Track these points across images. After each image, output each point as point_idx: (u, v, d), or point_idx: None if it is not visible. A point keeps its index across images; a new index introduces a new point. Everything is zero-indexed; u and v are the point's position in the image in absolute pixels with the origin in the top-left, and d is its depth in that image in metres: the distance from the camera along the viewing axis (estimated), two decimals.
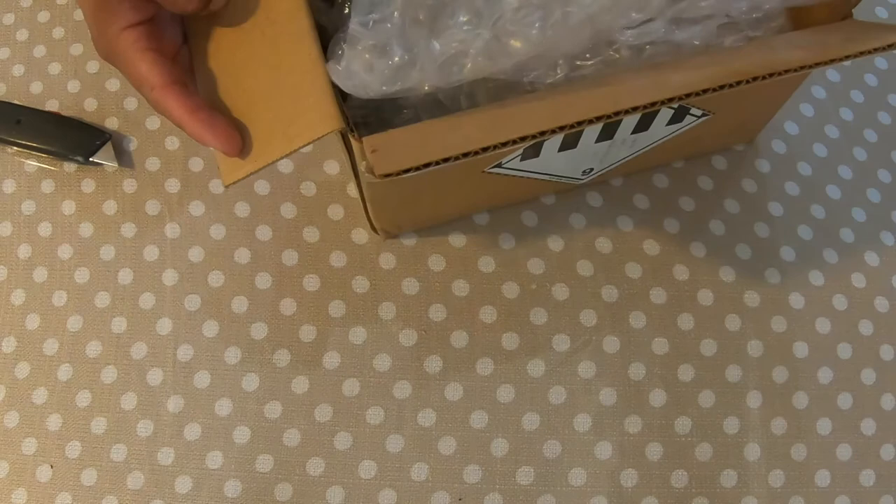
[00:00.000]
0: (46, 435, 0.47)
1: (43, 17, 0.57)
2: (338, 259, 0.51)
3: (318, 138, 0.36)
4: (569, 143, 0.43)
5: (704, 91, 0.38)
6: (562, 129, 0.36)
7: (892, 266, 0.52)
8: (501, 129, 0.36)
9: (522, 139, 0.36)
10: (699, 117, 0.46)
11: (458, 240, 0.51)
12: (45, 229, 0.52)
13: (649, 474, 0.47)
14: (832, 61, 0.39)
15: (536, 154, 0.44)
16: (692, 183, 0.53)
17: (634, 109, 0.37)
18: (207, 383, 0.48)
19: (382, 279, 0.50)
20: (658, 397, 0.48)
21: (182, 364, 0.49)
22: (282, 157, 0.37)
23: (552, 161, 0.45)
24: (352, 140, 0.36)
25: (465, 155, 0.36)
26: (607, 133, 0.44)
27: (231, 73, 0.39)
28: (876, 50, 0.39)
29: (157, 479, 0.47)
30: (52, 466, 0.47)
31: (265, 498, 0.46)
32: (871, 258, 0.52)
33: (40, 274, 0.51)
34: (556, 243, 0.51)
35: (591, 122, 0.37)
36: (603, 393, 0.48)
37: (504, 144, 0.36)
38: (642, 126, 0.44)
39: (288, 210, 0.52)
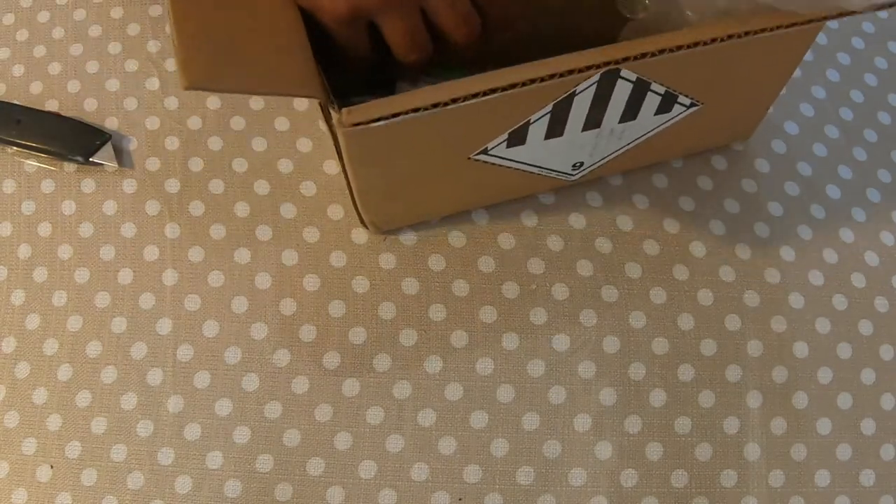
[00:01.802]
0: (46, 435, 0.47)
1: (43, 17, 0.57)
2: (338, 259, 0.51)
3: (300, 96, 0.36)
4: (555, 130, 0.43)
5: (658, 52, 0.39)
6: (516, 85, 0.37)
7: (892, 266, 0.52)
8: (475, 85, 0.37)
9: (493, 91, 0.37)
10: (688, 107, 0.46)
11: (458, 240, 0.51)
12: (45, 229, 0.52)
13: (649, 474, 0.47)
14: (792, 25, 0.39)
15: (522, 141, 0.44)
16: (692, 182, 0.53)
17: (590, 68, 0.38)
18: (207, 383, 0.48)
19: (382, 279, 0.50)
20: (658, 397, 0.48)
21: (182, 364, 0.49)
22: (249, 93, 0.36)
23: (539, 150, 0.45)
24: (330, 111, 0.37)
25: (435, 105, 0.36)
26: (594, 120, 0.44)
27: (215, 12, 0.38)
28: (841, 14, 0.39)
29: (157, 479, 0.47)
30: (52, 466, 0.47)
31: (265, 498, 0.46)
32: (871, 258, 0.52)
33: (40, 274, 0.51)
34: (556, 243, 0.51)
35: (542, 79, 0.38)
36: (603, 393, 0.48)
37: (475, 95, 0.37)
38: (629, 114, 0.44)
39: (288, 210, 0.52)
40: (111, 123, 0.54)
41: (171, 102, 0.55)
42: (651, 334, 0.49)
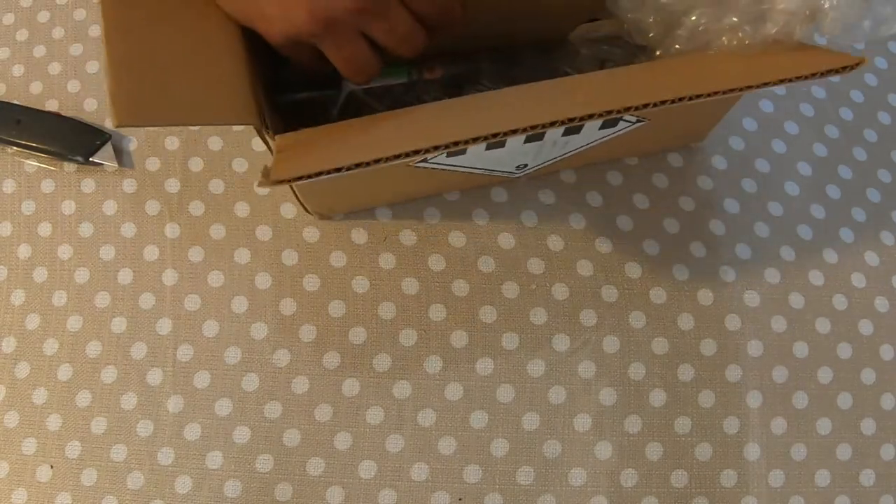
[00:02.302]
0: (46, 435, 0.47)
1: (43, 17, 0.57)
2: (338, 259, 0.51)
3: (234, 124, 0.36)
4: (497, 145, 0.43)
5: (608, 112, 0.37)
6: (442, 147, 0.36)
7: (891, 266, 0.52)
8: (404, 140, 0.36)
9: (415, 152, 0.35)
10: (634, 123, 0.46)
11: (457, 239, 0.51)
12: (45, 229, 0.52)
13: (649, 474, 0.47)
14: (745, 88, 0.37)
15: (463, 152, 0.43)
16: (692, 182, 0.53)
17: (514, 132, 0.36)
18: (207, 383, 0.48)
19: (382, 279, 0.50)
20: (658, 397, 0.48)
21: (182, 364, 0.49)
22: (182, 125, 0.36)
23: (481, 158, 0.45)
24: (266, 137, 0.36)
25: (357, 165, 0.35)
26: (535, 136, 0.43)
27: (150, 34, 0.38)
28: (814, 75, 0.38)
29: (157, 479, 0.47)
30: (52, 466, 0.47)
31: (265, 498, 0.46)
32: (871, 258, 0.52)
33: (40, 274, 0.51)
34: (556, 243, 0.51)
35: (475, 140, 0.36)
36: (603, 393, 0.48)
37: (397, 157, 0.35)
38: (573, 130, 0.44)
39: (288, 210, 0.52)
40: (111, 123, 0.54)
41: None
42: (651, 334, 0.49)
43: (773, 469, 0.47)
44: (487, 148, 0.43)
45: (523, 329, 0.49)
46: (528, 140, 0.44)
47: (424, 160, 0.43)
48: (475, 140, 0.35)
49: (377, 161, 0.35)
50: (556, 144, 0.46)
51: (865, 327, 0.50)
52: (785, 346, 0.50)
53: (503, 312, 0.50)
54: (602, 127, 0.45)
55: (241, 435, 0.47)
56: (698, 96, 0.37)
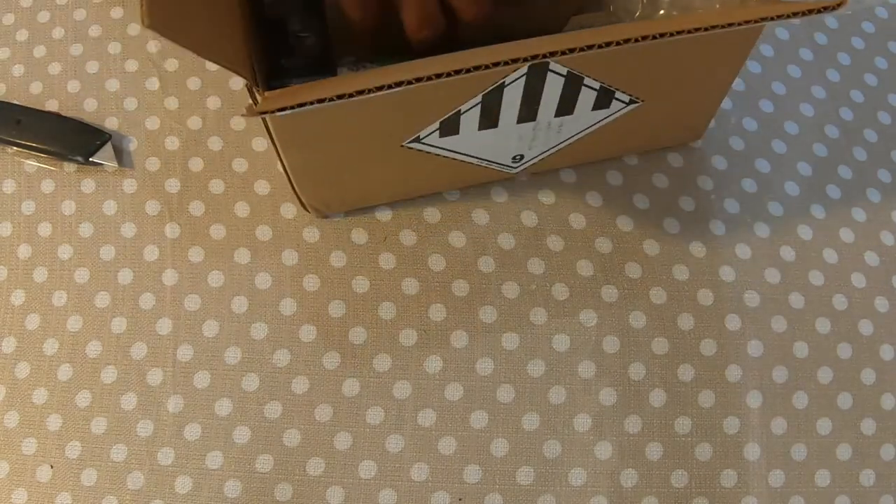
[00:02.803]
0: (46, 435, 0.47)
1: (43, 17, 0.57)
2: (338, 259, 0.51)
3: (232, 71, 0.36)
4: (489, 121, 0.43)
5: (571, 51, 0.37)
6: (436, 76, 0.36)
7: (892, 266, 0.52)
8: (399, 73, 0.36)
9: (417, 80, 0.36)
10: (628, 104, 0.45)
11: (457, 239, 0.51)
12: (45, 229, 0.52)
13: (649, 474, 0.47)
14: (729, 25, 0.38)
15: (456, 131, 0.43)
16: (691, 181, 0.53)
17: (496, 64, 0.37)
18: (207, 383, 0.48)
19: (382, 279, 0.50)
20: (658, 397, 0.48)
21: (182, 364, 0.49)
22: (202, 55, 0.36)
23: (475, 140, 0.45)
24: (255, 93, 0.37)
25: (360, 92, 0.36)
26: (528, 112, 0.43)
27: None
28: (794, 14, 0.38)
29: (157, 479, 0.47)
30: (52, 466, 0.47)
31: (265, 498, 0.46)
32: (871, 258, 0.52)
33: (40, 274, 0.51)
34: (556, 243, 0.51)
35: (456, 72, 0.36)
36: (603, 393, 0.48)
37: (399, 84, 0.36)
38: (565, 108, 0.44)
39: (288, 210, 0.52)
40: (111, 123, 0.54)
41: (171, 102, 0.55)
42: (651, 334, 0.49)
43: (773, 469, 0.47)
44: (481, 127, 0.43)
45: (523, 329, 0.49)
46: (520, 121, 0.44)
47: (417, 139, 0.43)
48: (457, 72, 0.36)
49: (360, 92, 0.36)
50: (550, 128, 0.46)
51: (865, 327, 0.50)
52: (785, 346, 0.50)
53: (503, 312, 0.50)
54: (595, 107, 0.45)
55: (241, 435, 0.47)
56: (668, 34, 0.38)
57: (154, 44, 0.56)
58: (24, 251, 0.51)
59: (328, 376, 0.48)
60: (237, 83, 0.55)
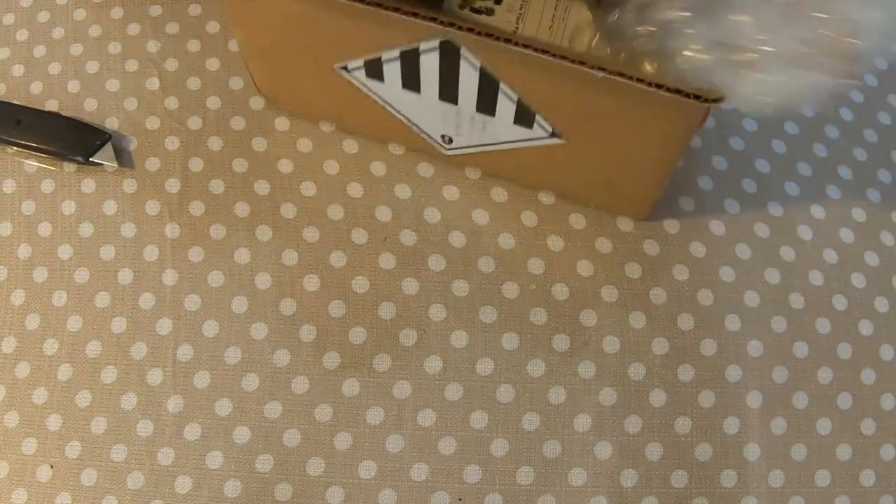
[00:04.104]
0: (46, 435, 0.47)
1: (43, 17, 0.57)
2: (338, 259, 0.51)
3: None
4: (411, 83, 0.45)
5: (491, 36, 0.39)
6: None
7: (891, 266, 0.52)
8: None
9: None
10: (549, 136, 0.46)
11: (457, 239, 0.51)
12: (45, 229, 0.52)
13: (649, 474, 0.47)
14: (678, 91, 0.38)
15: (380, 77, 0.46)
16: (691, 181, 0.53)
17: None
18: (207, 383, 0.48)
19: (382, 279, 0.50)
20: (658, 397, 0.48)
21: (182, 364, 0.49)
22: None
23: (401, 98, 0.47)
24: None
25: None
26: (448, 93, 0.45)
27: None
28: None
29: (157, 479, 0.47)
30: (52, 466, 0.47)
31: (265, 498, 0.46)
32: (871, 258, 0.52)
33: (40, 274, 0.51)
34: (556, 243, 0.51)
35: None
36: (603, 393, 0.48)
37: None
38: (486, 107, 0.45)
39: (288, 210, 0.52)
40: (111, 123, 0.54)
41: (171, 102, 0.55)
42: (651, 334, 0.49)
43: (773, 469, 0.47)
44: (404, 86, 0.45)
45: (523, 329, 0.49)
46: (441, 97, 0.45)
47: (345, 68, 0.46)
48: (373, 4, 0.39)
49: None
50: (474, 121, 0.46)
51: (865, 327, 0.50)
52: (785, 346, 0.50)
53: (503, 312, 0.50)
54: (517, 121, 0.45)
55: (241, 435, 0.47)
56: (569, 59, 0.38)
57: (154, 43, 0.56)
58: (24, 251, 0.51)
59: (328, 376, 0.48)
60: (237, 83, 0.55)
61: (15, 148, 0.53)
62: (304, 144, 0.53)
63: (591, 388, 0.48)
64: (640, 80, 0.38)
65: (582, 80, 0.39)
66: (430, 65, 0.43)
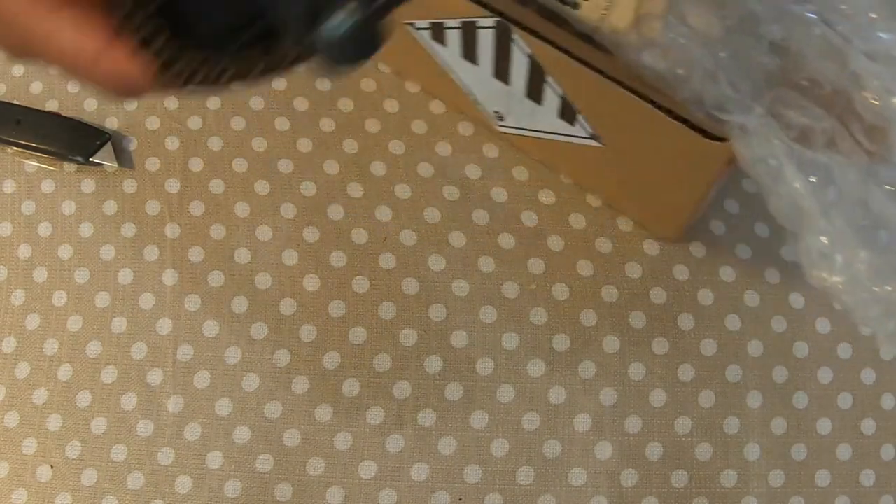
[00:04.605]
0: (46, 435, 0.47)
1: None
2: (338, 259, 0.51)
3: None
4: (469, 54, 0.46)
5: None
6: None
7: None
8: None
9: None
10: (588, 137, 0.46)
11: (457, 239, 0.51)
12: (45, 229, 0.52)
13: (649, 474, 0.47)
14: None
15: (443, 41, 0.47)
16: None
17: None
18: (207, 383, 0.48)
19: (382, 279, 0.50)
20: (658, 397, 0.48)
21: (182, 364, 0.49)
22: None
23: (460, 66, 0.48)
24: None
25: None
26: (501, 71, 0.46)
27: None
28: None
29: (157, 479, 0.47)
30: (52, 466, 0.47)
31: (265, 498, 0.46)
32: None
33: (40, 274, 0.51)
34: (556, 243, 0.51)
35: None
36: (603, 393, 0.48)
37: None
38: (534, 94, 0.46)
39: (288, 210, 0.52)
40: (111, 123, 0.54)
41: (172, 102, 0.55)
42: (651, 334, 0.49)
43: (773, 469, 0.47)
44: (463, 55, 0.47)
45: (523, 329, 0.49)
46: (495, 75, 0.46)
47: (412, 24, 0.47)
48: None
49: None
50: (523, 105, 0.47)
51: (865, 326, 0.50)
52: (785, 345, 0.50)
53: (503, 312, 0.50)
54: (560, 115, 0.46)
55: (241, 435, 0.47)
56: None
57: None
58: (24, 251, 0.51)
59: (328, 376, 0.48)
60: None
61: (15, 148, 0.53)
62: (304, 144, 0.53)
63: (591, 388, 0.48)
64: (668, 111, 0.39)
65: (617, 97, 0.40)
66: (485, 41, 0.44)
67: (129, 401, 0.48)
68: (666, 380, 0.49)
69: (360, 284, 0.50)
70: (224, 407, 0.48)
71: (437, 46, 0.48)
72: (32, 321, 0.50)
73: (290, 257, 0.51)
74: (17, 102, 0.54)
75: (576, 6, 0.44)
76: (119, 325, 0.49)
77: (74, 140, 0.53)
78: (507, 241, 0.51)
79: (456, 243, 0.51)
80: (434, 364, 0.49)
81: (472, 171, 0.53)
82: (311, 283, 0.50)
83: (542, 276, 0.50)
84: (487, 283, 0.50)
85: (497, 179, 0.52)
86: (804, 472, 0.47)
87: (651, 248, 0.51)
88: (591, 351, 0.49)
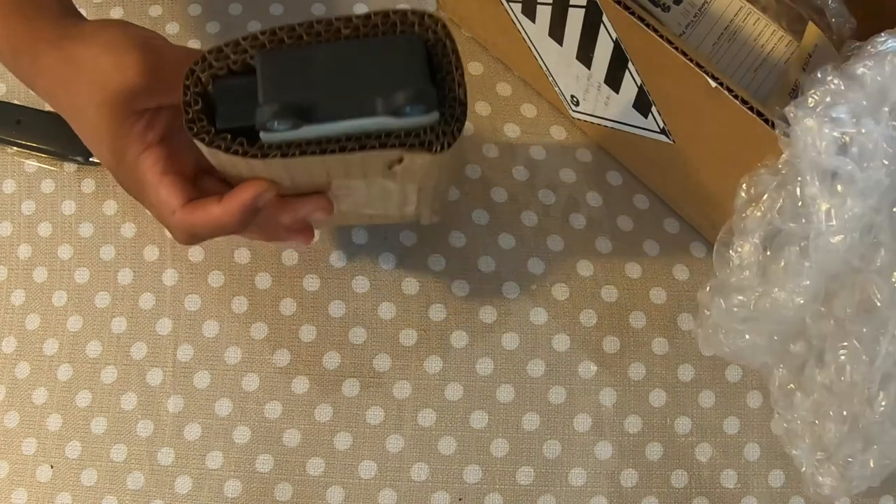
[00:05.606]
0: (46, 435, 0.47)
1: None
2: (338, 259, 0.51)
3: None
4: (556, 31, 0.48)
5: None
6: None
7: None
8: None
9: None
10: (660, 132, 0.46)
11: (457, 239, 0.51)
12: (45, 229, 0.52)
13: (649, 474, 0.47)
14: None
15: (532, 16, 0.48)
16: None
17: None
18: (207, 383, 0.48)
19: (382, 279, 0.50)
20: (658, 397, 0.48)
21: (182, 364, 0.49)
22: None
23: (545, 44, 0.49)
24: None
25: None
26: (585, 54, 0.47)
27: None
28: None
29: (157, 479, 0.47)
30: (52, 466, 0.47)
31: (265, 498, 0.46)
32: None
33: (40, 274, 0.51)
34: (556, 243, 0.51)
35: None
36: (603, 393, 0.48)
37: None
38: (612, 79, 0.47)
39: None
40: None
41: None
42: (651, 334, 0.49)
43: (773, 469, 0.47)
44: (550, 33, 0.48)
45: (523, 329, 0.49)
46: (578, 57, 0.47)
47: None
48: None
49: None
50: (599, 92, 0.48)
51: None
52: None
53: (503, 312, 0.50)
54: (635, 105, 0.46)
55: (241, 435, 0.47)
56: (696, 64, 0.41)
57: None
58: (24, 251, 0.51)
59: (328, 376, 0.48)
60: None
61: (15, 148, 0.53)
62: None
63: (591, 388, 0.48)
64: (744, 102, 0.39)
65: (696, 83, 0.40)
66: (575, 20, 0.45)
67: (129, 401, 0.48)
68: (666, 380, 0.49)
69: (361, 284, 0.50)
70: (224, 407, 0.48)
71: (526, 21, 0.49)
72: (32, 321, 0.50)
73: (290, 257, 0.51)
74: (17, 102, 0.54)
75: (666, 9, 0.45)
76: (119, 325, 0.49)
77: (74, 140, 0.52)
78: (506, 241, 0.51)
79: (456, 243, 0.51)
80: (434, 364, 0.49)
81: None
82: (310, 283, 0.50)
83: (542, 276, 0.50)
84: (487, 284, 0.50)
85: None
86: None
87: (651, 247, 0.51)
88: (591, 351, 0.49)
